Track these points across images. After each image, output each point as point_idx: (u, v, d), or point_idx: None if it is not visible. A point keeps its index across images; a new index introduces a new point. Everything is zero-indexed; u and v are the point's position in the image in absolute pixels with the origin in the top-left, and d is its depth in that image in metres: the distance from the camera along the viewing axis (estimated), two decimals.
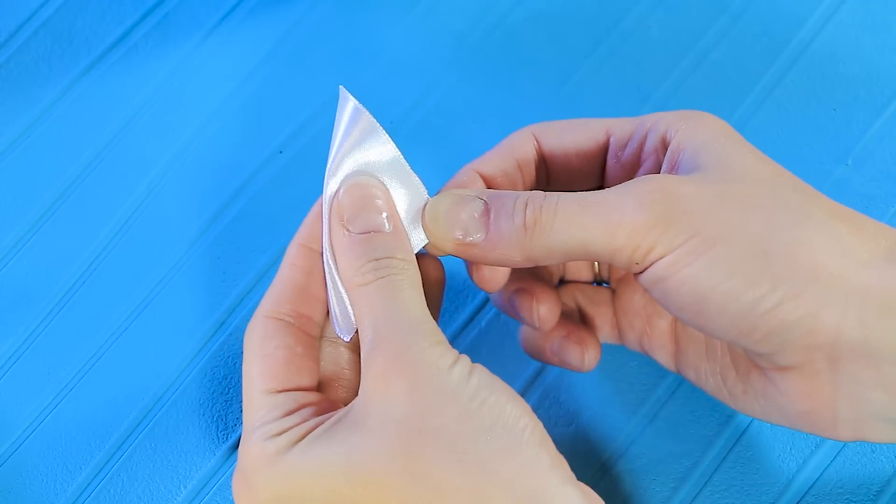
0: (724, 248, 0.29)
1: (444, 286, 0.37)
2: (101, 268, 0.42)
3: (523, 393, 0.41)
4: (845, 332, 0.29)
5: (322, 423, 0.31)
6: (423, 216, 0.33)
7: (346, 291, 0.33)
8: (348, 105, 0.34)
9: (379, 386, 0.30)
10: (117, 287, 0.42)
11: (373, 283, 0.31)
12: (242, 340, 0.41)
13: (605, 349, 0.41)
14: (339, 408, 0.32)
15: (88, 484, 0.40)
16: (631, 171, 0.35)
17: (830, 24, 0.46)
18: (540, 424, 0.30)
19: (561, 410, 0.40)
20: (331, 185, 0.33)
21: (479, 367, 0.31)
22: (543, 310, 0.36)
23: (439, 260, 0.36)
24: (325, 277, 0.34)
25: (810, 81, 0.45)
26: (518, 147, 0.35)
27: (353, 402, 0.31)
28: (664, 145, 0.33)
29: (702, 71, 0.45)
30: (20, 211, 0.43)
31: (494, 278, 0.36)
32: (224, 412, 0.40)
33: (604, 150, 0.35)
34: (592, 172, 0.36)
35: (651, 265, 0.30)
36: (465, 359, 0.31)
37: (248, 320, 0.41)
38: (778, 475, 0.39)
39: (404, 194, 0.33)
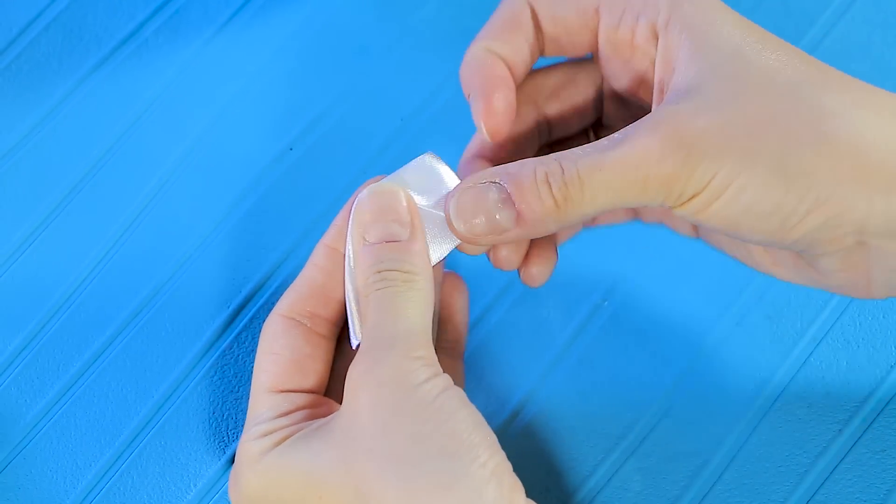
0: (746, 178, 0.29)
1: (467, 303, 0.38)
2: (111, 264, 0.42)
3: (535, 389, 0.40)
4: (871, 221, 0.30)
5: (306, 427, 0.32)
6: (449, 222, 0.32)
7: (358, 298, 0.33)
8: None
9: (350, 398, 0.30)
10: (127, 283, 0.42)
11: (373, 294, 0.31)
12: (253, 338, 0.41)
13: (610, 346, 0.41)
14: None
15: (98, 481, 0.40)
16: (625, 51, 0.34)
17: (842, 21, 0.46)
18: (497, 457, 0.30)
19: (571, 408, 0.40)
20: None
21: (452, 390, 0.30)
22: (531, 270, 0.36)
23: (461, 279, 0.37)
24: (344, 280, 0.34)
25: None
26: (519, 19, 0.35)
27: (336, 411, 0.32)
28: (654, 36, 0.32)
29: None
30: (30, 207, 0.43)
31: (511, 260, 0.35)
32: (234, 410, 0.40)
33: (595, 23, 0.34)
34: (583, 44, 0.35)
35: (682, 205, 0.31)
36: (442, 378, 0.30)
37: (259, 318, 0.42)
38: (788, 473, 0.39)
39: (434, 196, 0.33)
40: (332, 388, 0.36)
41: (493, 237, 0.32)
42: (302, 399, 0.33)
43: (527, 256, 0.36)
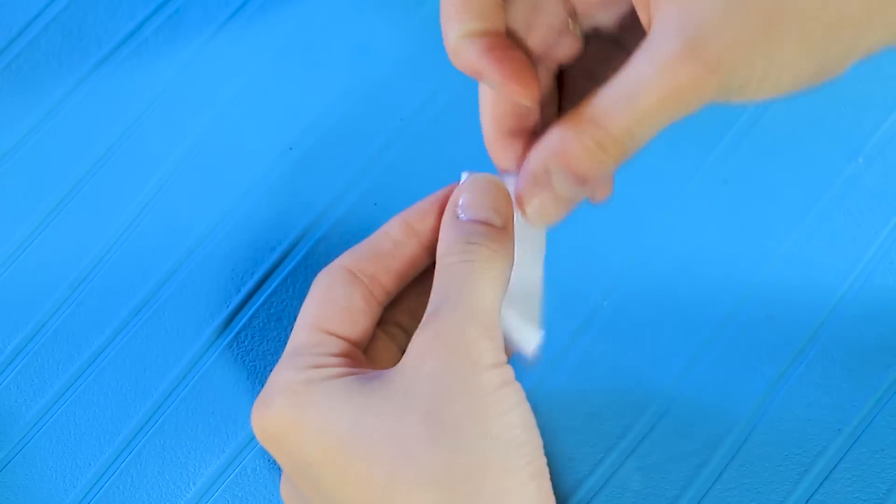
0: (779, 67, 0.28)
1: None
2: (110, 263, 0.42)
3: (535, 388, 0.41)
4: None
5: (357, 374, 0.31)
6: (529, 221, 0.32)
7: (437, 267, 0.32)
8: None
9: (416, 357, 0.30)
10: (127, 282, 0.42)
11: (457, 263, 0.31)
12: (252, 337, 0.41)
13: (610, 346, 0.41)
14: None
15: (98, 480, 0.40)
16: None
17: None
18: (542, 460, 0.30)
19: (571, 407, 0.40)
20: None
21: (515, 384, 0.30)
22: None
23: None
24: (414, 255, 0.34)
25: None
26: None
27: (395, 366, 0.31)
28: None
29: None
30: (30, 207, 0.43)
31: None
32: (233, 409, 0.40)
33: None
34: None
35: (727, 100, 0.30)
36: (507, 369, 0.30)
37: (258, 318, 0.42)
38: (788, 473, 0.39)
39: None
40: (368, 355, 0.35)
41: (568, 209, 0.32)
42: (346, 347, 0.32)
43: None
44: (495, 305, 0.31)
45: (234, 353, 0.41)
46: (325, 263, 0.42)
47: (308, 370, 0.31)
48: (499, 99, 0.34)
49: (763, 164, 0.43)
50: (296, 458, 0.31)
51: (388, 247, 0.34)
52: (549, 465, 0.39)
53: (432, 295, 0.32)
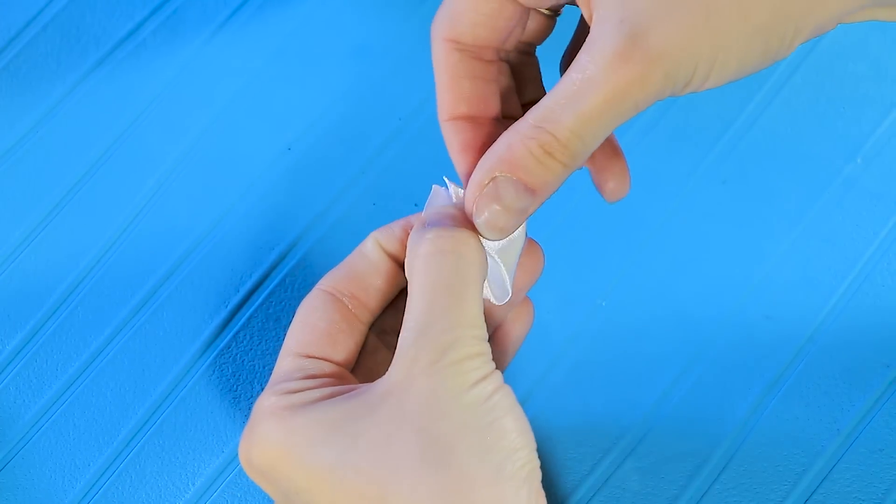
0: (724, 57, 0.28)
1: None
2: (109, 263, 0.42)
3: (533, 389, 0.41)
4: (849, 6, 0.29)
5: (339, 394, 0.31)
6: (481, 234, 0.32)
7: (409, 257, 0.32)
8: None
9: (403, 380, 0.30)
10: (125, 282, 0.42)
11: (429, 263, 0.31)
12: (251, 337, 0.41)
13: (608, 347, 0.41)
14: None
15: (97, 481, 0.40)
16: None
17: None
18: (533, 462, 0.30)
19: (570, 408, 0.40)
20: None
21: (504, 390, 0.30)
22: None
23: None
24: (391, 272, 0.34)
25: (819, 80, 0.45)
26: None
27: (376, 382, 0.31)
28: None
29: None
30: (28, 207, 0.43)
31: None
32: (232, 409, 0.40)
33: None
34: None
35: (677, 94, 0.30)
36: (495, 376, 0.30)
37: (258, 317, 0.42)
38: (786, 473, 0.39)
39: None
40: (355, 373, 0.35)
41: (520, 220, 0.31)
42: (330, 368, 0.33)
43: (596, 179, 0.35)
44: (479, 307, 0.31)
45: (234, 353, 0.41)
46: (324, 264, 0.42)
47: (290, 395, 0.31)
48: (460, 123, 0.33)
49: (761, 165, 0.43)
50: (284, 487, 0.31)
51: (364, 266, 0.34)
52: (548, 465, 0.40)
53: (410, 294, 0.31)
